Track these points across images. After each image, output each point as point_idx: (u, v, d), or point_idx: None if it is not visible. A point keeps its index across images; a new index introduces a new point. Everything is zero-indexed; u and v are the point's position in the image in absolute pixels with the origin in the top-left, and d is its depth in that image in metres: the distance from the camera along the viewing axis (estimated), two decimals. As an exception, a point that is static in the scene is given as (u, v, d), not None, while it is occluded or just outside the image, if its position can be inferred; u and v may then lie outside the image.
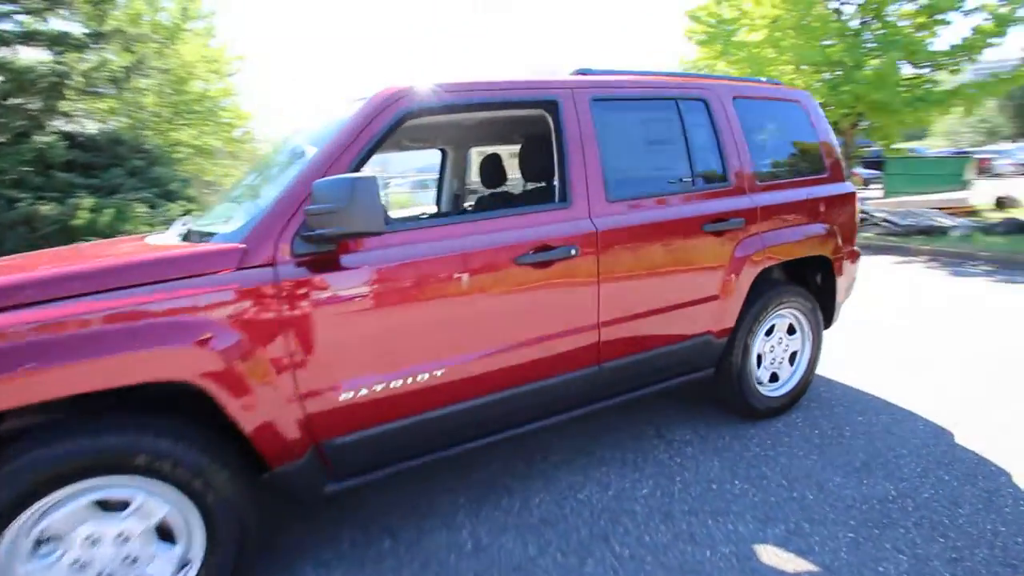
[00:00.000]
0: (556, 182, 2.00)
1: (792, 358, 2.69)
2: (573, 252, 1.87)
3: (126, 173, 7.36)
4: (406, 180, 21.59)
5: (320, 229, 1.44)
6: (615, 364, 2.07)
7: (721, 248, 2.25)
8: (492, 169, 2.94)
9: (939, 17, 10.03)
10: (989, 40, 9.58)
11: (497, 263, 1.76)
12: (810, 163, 2.68)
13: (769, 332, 2.57)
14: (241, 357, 1.42)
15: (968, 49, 9.88)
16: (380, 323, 1.62)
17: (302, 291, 1.50)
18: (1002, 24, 9.55)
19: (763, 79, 2.83)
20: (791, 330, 2.66)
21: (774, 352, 2.62)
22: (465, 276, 1.72)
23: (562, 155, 1.96)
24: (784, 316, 2.61)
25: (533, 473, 2.25)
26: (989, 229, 7.47)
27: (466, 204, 3.50)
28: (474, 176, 3.72)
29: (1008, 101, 31.04)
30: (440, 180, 3.52)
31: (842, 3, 10.82)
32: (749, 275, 2.33)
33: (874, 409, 2.72)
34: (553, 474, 2.24)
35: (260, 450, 1.50)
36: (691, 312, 2.23)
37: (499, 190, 3.05)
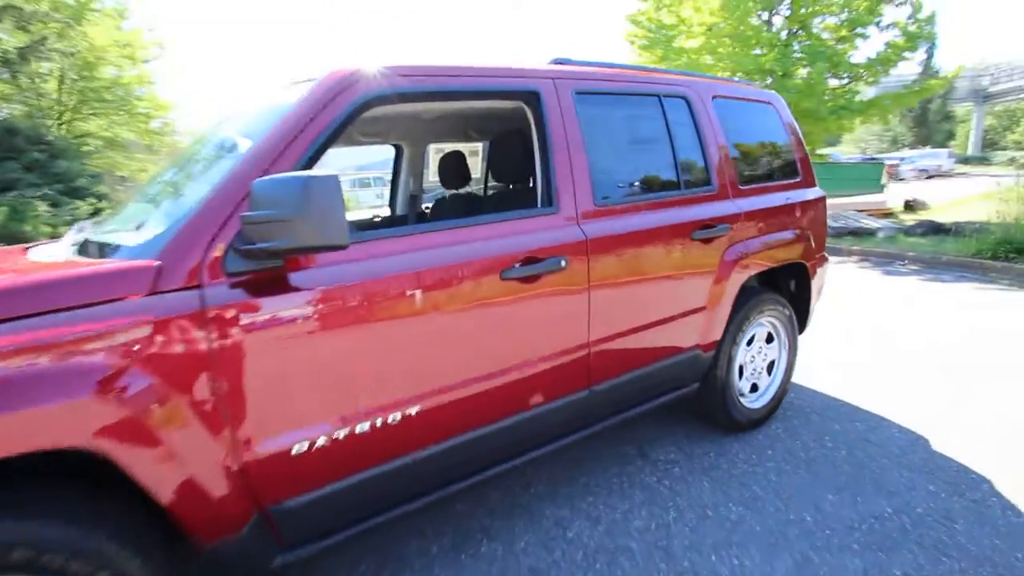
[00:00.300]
0: (539, 184, 1.77)
1: (770, 368, 2.62)
2: (563, 264, 1.65)
3: (23, 167, 6.42)
4: (346, 178, 20.62)
5: (263, 242, 1.13)
6: (606, 386, 1.87)
7: (708, 256, 2.11)
8: (454, 168, 2.66)
9: (859, 31, 10.76)
10: (903, 54, 10.33)
11: (481, 279, 1.51)
12: (784, 167, 2.61)
13: (749, 342, 2.48)
14: (154, 410, 1.09)
15: (883, 63, 10.65)
16: (341, 357, 1.33)
17: (237, 320, 1.18)
18: (912, 40, 10.36)
19: (735, 79, 2.73)
20: (769, 339, 2.58)
21: (754, 362, 2.53)
22: (444, 295, 1.45)
23: (545, 154, 1.74)
24: (763, 325, 2.52)
25: (514, 509, 2.01)
26: (910, 231, 8.02)
27: (424, 206, 3.20)
28: (431, 176, 3.43)
29: (908, 112, 34.24)
30: (394, 179, 3.19)
31: (772, 14, 11.36)
32: (735, 284, 2.21)
33: (847, 416, 2.70)
34: (536, 508, 2.01)
35: (187, 525, 1.17)
36: (680, 325, 2.07)
37: (462, 192, 2.78)
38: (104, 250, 1.36)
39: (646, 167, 2.08)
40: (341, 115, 1.38)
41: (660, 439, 2.50)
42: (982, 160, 32.80)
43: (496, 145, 2.13)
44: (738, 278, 2.21)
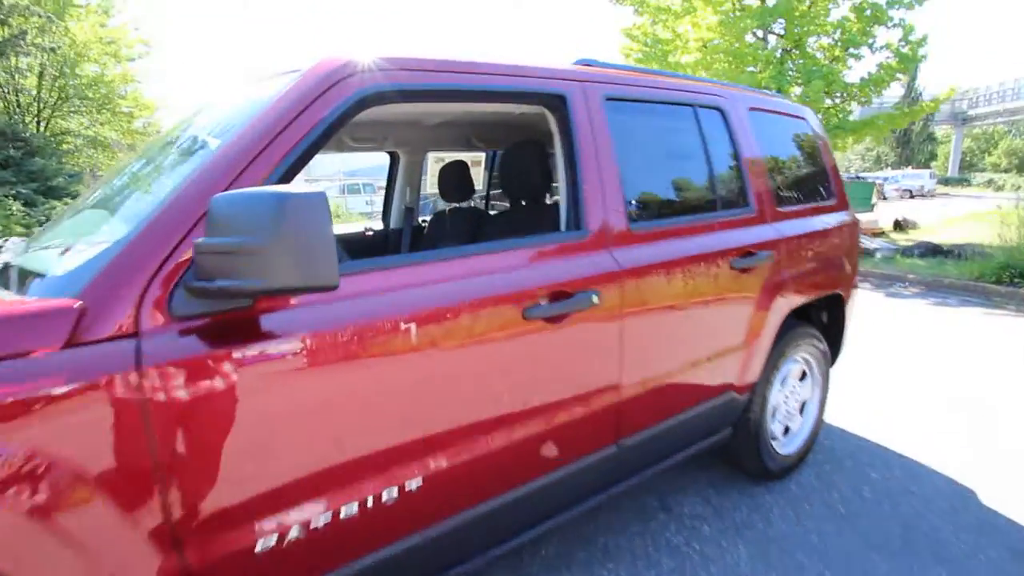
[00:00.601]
0: (564, 204, 1.50)
1: (801, 408, 2.38)
2: (594, 299, 1.38)
3: (-4, 164, 6.04)
4: (333, 184, 20.18)
5: (223, 279, 0.84)
6: (636, 439, 1.60)
7: (748, 287, 1.87)
8: (456, 180, 2.39)
9: (852, 51, 10.80)
10: (897, 75, 10.37)
11: (501, 318, 1.23)
12: (820, 188, 2.39)
13: (782, 381, 2.23)
14: (68, 502, 0.79)
15: (876, 83, 10.68)
16: (326, 426, 1.03)
17: (187, 381, 0.89)
18: (906, 62, 10.41)
19: (768, 91, 2.51)
20: (801, 376, 2.34)
21: (787, 402, 2.28)
22: (457, 342, 1.17)
23: (573, 169, 1.48)
24: (797, 361, 2.28)
25: (524, 581, 1.72)
26: (907, 251, 7.94)
27: (421, 219, 2.92)
28: (429, 187, 3.16)
29: (892, 132, 34.97)
30: (388, 189, 2.91)
31: (767, 32, 11.36)
32: (776, 318, 1.97)
33: (881, 460, 2.46)
34: (549, 580, 1.73)
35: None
36: (716, 366, 1.81)
37: (464, 206, 2.52)
38: (25, 280, 1.06)
39: (681, 185, 1.83)
40: (330, 115, 1.10)
41: (683, 488, 2.23)
42: (961, 181, 33.58)
43: (509, 156, 1.87)
44: (778, 312, 1.97)
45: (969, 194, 27.14)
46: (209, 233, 0.84)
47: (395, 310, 1.09)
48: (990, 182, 32.45)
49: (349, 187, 19.54)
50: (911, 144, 37.19)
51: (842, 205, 2.48)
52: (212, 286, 0.84)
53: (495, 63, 1.40)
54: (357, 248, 2.72)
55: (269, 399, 0.96)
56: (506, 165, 1.89)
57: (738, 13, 10.38)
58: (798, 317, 2.37)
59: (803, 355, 2.27)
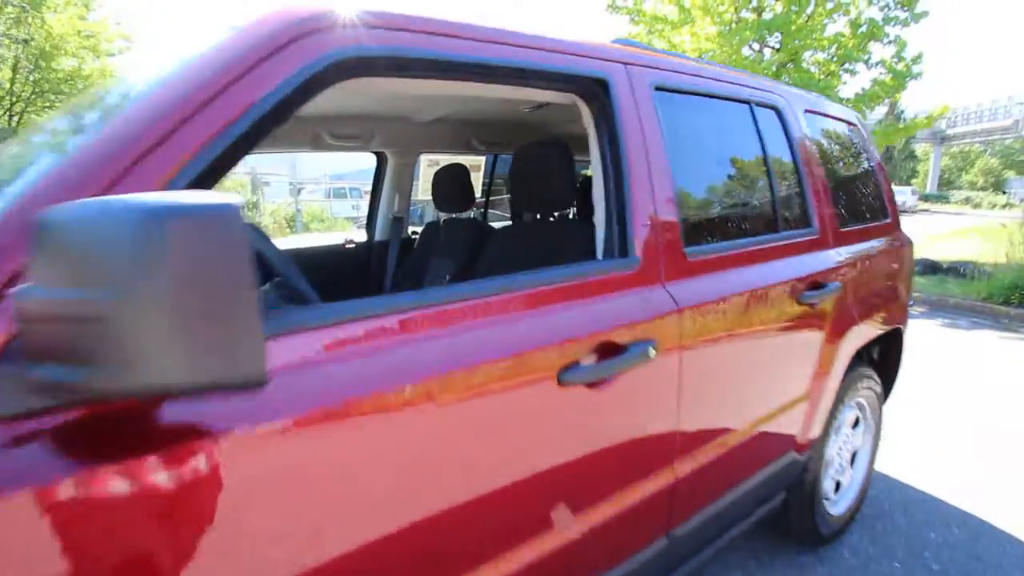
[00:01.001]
0: (601, 221, 1.15)
1: (852, 458, 2.04)
2: (651, 352, 1.02)
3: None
4: (319, 187, 19.63)
5: (49, 367, 0.46)
6: (689, 527, 1.24)
7: (815, 326, 1.53)
8: (454, 186, 2.03)
9: (848, 67, 10.74)
10: (894, 92, 10.32)
11: (527, 387, 0.87)
12: (875, 204, 2.08)
13: (836, 431, 1.90)
14: None
15: (871, 99, 10.63)
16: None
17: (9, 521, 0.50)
18: (900, 79, 10.37)
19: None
20: (854, 423, 2.01)
21: (840, 454, 1.95)
22: (462, 428, 0.80)
23: (618, 176, 1.12)
24: (851, 407, 1.95)
25: None
26: (907, 269, 7.77)
27: (411, 231, 2.54)
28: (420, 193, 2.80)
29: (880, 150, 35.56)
30: (374, 195, 2.53)
31: (763, 46, 11.27)
32: (843, 361, 1.63)
33: (936, 515, 2.14)
34: None
35: None
36: (779, 422, 1.47)
37: (463, 217, 2.15)
38: None
39: (739, 201, 1.49)
40: (285, 85, 0.73)
41: (723, 558, 1.88)
42: (940, 198, 34.24)
43: (523, 159, 1.51)
44: (846, 352, 1.63)
45: (948, 211, 27.59)
46: (34, 278, 0.46)
47: (381, 381, 0.72)
48: (967, 199, 33.14)
49: (335, 191, 18.98)
50: (893, 161, 37.89)
51: (895, 223, 2.17)
52: (32, 375, 0.46)
53: (520, 32, 1.04)
54: (335, 264, 2.33)
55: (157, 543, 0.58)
56: (519, 170, 1.53)
57: (734, 25, 10.25)
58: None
59: (859, 399, 1.94)
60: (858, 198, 1.97)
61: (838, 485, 1.98)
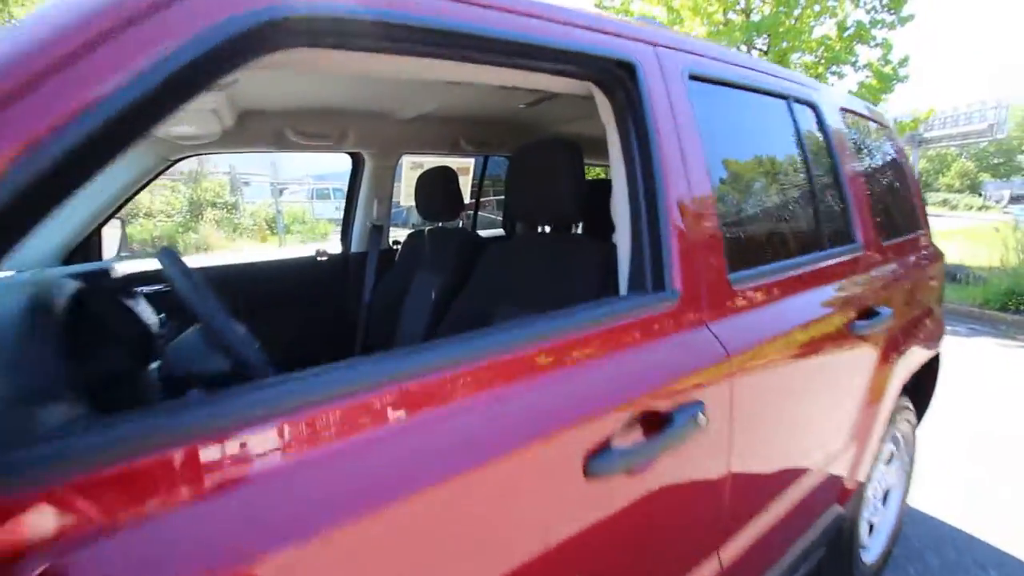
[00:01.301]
0: (625, 243, 0.91)
1: (884, 496, 1.84)
2: (700, 419, 0.78)
3: None
4: (302, 188, 19.15)
5: None
6: (732, 620, 1.01)
7: (865, 360, 1.30)
8: (439, 191, 1.79)
9: (835, 69, 10.72)
10: (881, 96, 10.32)
11: (547, 486, 0.62)
12: (911, 213, 1.87)
13: (873, 468, 1.69)
14: None
15: (858, 101, 10.60)
16: None
17: None
18: (887, 82, 10.37)
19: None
20: (888, 458, 1.81)
21: (875, 494, 1.74)
22: (469, 538, 0.55)
23: (651, 185, 0.88)
24: (887, 442, 1.74)
25: None
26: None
27: (391, 241, 2.28)
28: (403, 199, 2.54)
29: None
30: (350, 201, 2.26)
31: (751, 48, 11.20)
32: (892, 397, 1.42)
33: (971, 556, 1.95)
34: None
35: None
36: (825, 476, 1.24)
37: (447, 226, 1.91)
38: None
39: (781, 212, 1.25)
40: (190, 49, 0.47)
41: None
42: (919, 200, 34.79)
43: (524, 160, 1.26)
44: (895, 387, 1.42)
45: (929, 213, 28.01)
46: None
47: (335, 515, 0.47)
48: (944, 201, 33.76)
49: (318, 192, 18.51)
50: (873, 163, 38.50)
51: (928, 235, 1.98)
52: None
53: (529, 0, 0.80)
54: (306, 280, 2.06)
55: None
56: (519, 174, 1.28)
57: (722, 27, 10.15)
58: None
59: (895, 433, 1.74)
60: (895, 207, 1.77)
61: (871, 527, 1.77)
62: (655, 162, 0.88)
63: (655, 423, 0.72)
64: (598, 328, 0.76)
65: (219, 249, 12.13)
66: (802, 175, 1.28)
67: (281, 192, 16.89)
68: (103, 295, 0.93)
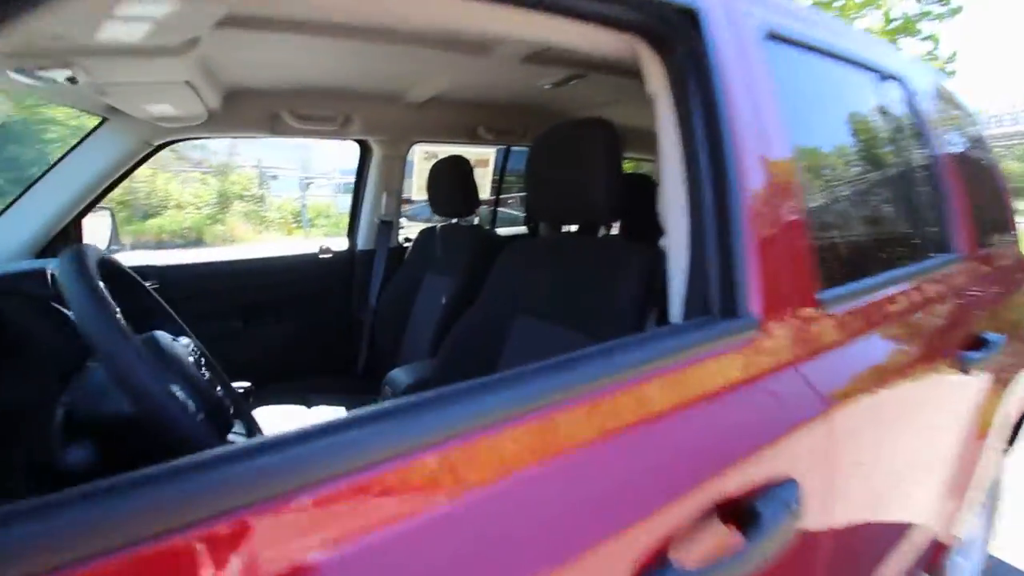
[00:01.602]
0: (680, 252, 0.68)
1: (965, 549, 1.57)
2: (793, 505, 0.55)
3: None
4: (330, 182, 19.26)
5: None
6: None
7: (972, 397, 1.05)
8: (453, 184, 1.59)
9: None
10: (928, 89, 9.76)
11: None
12: (1001, 216, 1.59)
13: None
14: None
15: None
16: None
17: None
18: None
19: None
20: (971, 503, 1.54)
21: (958, 547, 1.47)
22: None
23: (720, 175, 0.66)
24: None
25: None
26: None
27: (402, 238, 2.09)
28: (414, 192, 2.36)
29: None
30: (356, 194, 2.07)
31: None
32: (1000, 442, 1.16)
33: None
34: None
35: None
36: (921, 539, 1.00)
37: (463, 223, 1.71)
38: None
39: (874, 212, 1.01)
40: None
41: None
42: (961, 203, 33.36)
43: (553, 147, 1.04)
44: (1006, 429, 1.16)
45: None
46: None
47: None
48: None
49: (344, 186, 18.57)
50: (911, 164, 37.12)
51: (1017, 240, 1.69)
52: None
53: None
54: (307, 279, 1.89)
55: None
56: (542, 161, 1.06)
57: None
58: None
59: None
60: (987, 208, 1.49)
61: (950, 586, 1.51)
62: (726, 143, 0.66)
63: (733, 516, 0.50)
64: (648, 373, 0.53)
65: (246, 241, 12.23)
66: (895, 168, 1.04)
67: (308, 186, 16.99)
68: (21, 304, 0.76)
